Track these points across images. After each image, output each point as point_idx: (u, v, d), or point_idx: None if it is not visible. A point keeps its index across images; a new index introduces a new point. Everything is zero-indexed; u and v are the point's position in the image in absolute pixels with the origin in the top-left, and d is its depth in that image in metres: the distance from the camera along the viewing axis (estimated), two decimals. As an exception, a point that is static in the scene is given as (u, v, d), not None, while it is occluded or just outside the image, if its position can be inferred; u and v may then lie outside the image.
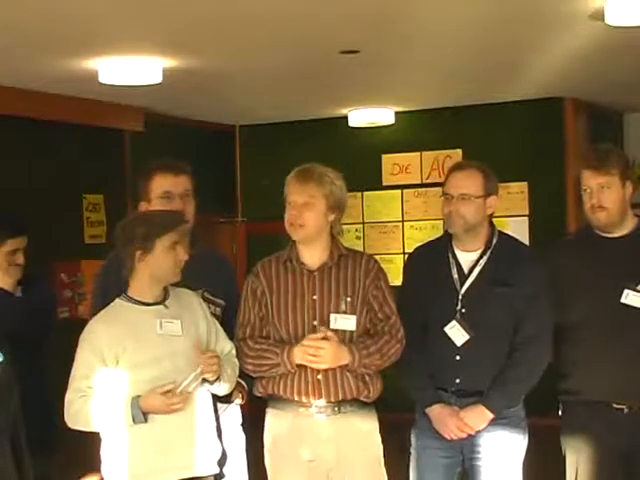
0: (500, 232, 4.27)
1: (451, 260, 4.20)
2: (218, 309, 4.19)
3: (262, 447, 4.11)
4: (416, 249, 4.48)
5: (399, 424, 4.31)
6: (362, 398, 4.01)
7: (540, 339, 4.12)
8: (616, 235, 4.15)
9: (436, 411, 4.14)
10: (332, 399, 3.97)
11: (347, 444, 4.01)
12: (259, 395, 4.10)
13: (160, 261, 3.80)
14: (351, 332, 3.98)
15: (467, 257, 4.20)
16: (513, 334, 4.12)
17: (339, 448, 3.99)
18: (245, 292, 4.09)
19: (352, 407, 4.01)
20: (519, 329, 4.11)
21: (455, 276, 4.17)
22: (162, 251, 3.79)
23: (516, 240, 4.39)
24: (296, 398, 3.98)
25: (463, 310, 4.13)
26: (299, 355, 3.92)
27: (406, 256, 4.65)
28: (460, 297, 4.15)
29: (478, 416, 4.10)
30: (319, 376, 3.96)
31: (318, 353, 3.88)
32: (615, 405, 4.06)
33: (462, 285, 4.16)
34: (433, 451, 4.20)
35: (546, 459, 4.69)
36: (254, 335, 4.04)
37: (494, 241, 4.21)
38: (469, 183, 4.15)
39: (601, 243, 4.16)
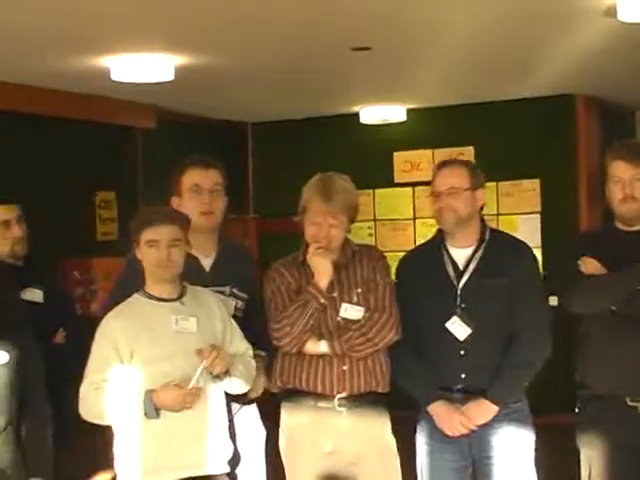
0: (492, 228, 4.30)
1: (445, 258, 4.21)
2: (241, 303, 4.21)
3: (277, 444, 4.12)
4: (407, 253, 4.48)
5: (402, 422, 4.27)
6: (380, 389, 4.08)
7: (538, 327, 4.12)
8: (637, 228, 4.15)
9: (438, 408, 4.12)
10: (355, 391, 4.03)
11: (365, 437, 4.06)
12: (277, 390, 4.13)
13: (143, 256, 3.85)
14: (358, 320, 4.05)
15: (461, 253, 4.20)
16: (513, 324, 4.12)
17: (358, 441, 4.05)
18: (275, 289, 4.10)
19: (370, 400, 4.07)
20: (517, 319, 4.11)
21: (451, 273, 4.18)
22: (143, 246, 3.83)
23: (508, 234, 4.43)
24: (319, 390, 4.03)
25: (463, 305, 4.12)
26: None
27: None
28: (459, 292, 4.15)
29: (481, 409, 4.08)
30: (345, 367, 4.02)
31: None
32: (629, 402, 4.05)
33: (459, 281, 4.16)
34: (441, 455, 4.19)
35: (559, 457, 4.68)
36: None
37: (487, 236, 4.23)
38: (455, 177, 4.17)
39: (623, 238, 4.15)
